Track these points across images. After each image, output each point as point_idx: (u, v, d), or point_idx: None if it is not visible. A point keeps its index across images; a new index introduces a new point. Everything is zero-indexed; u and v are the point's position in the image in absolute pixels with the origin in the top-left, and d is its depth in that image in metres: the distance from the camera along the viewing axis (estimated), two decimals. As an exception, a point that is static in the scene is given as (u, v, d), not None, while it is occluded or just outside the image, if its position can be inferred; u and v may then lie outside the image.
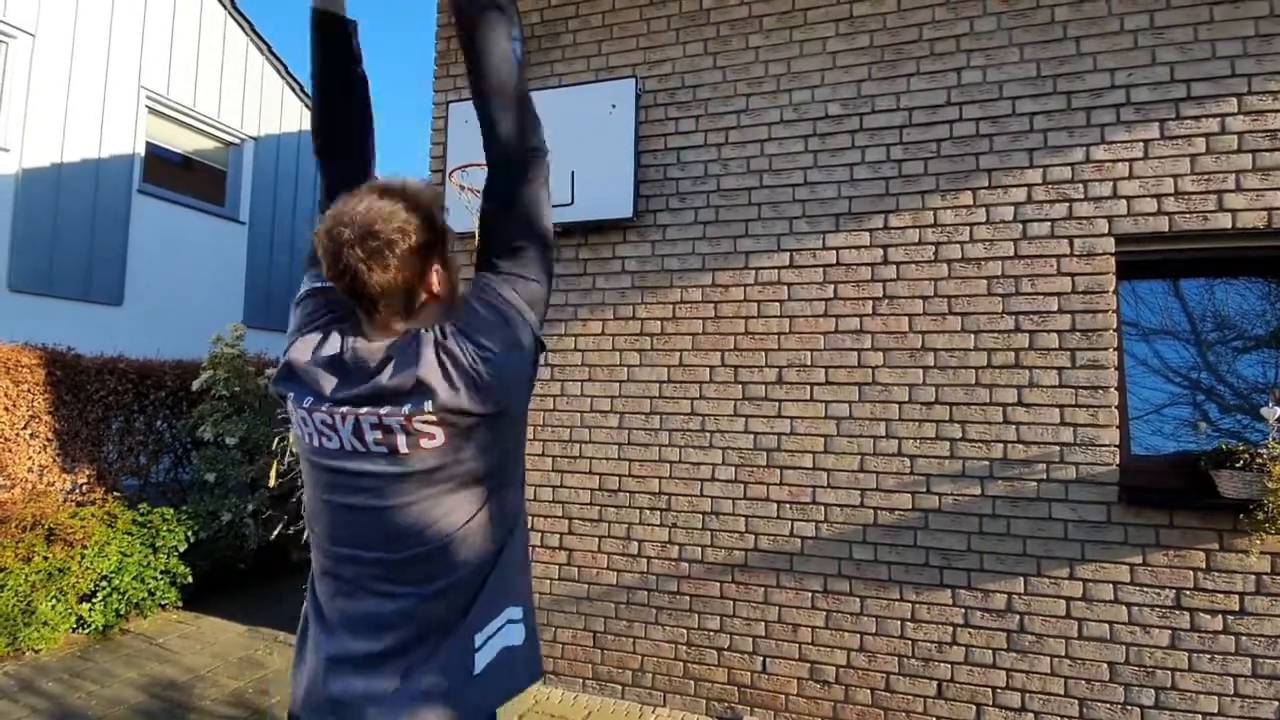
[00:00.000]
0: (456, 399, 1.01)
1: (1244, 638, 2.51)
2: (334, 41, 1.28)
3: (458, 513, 1.05)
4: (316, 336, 1.10)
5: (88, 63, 6.80)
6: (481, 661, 1.07)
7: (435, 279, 1.08)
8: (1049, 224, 2.80)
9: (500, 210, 1.14)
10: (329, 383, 1.05)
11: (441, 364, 1.02)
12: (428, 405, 1.00)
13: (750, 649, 3.05)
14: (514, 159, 1.15)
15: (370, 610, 1.06)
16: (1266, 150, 2.61)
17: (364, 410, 1.02)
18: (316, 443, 1.06)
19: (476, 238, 1.18)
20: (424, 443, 1.01)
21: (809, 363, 3.07)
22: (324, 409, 1.04)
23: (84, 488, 4.46)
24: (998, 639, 2.75)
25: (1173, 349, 2.88)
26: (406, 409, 1.00)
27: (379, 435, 1.01)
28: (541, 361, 1.11)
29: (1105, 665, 2.63)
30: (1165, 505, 2.61)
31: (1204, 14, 2.70)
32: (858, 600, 2.93)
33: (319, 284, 1.17)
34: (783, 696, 2.98)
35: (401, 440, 1.01)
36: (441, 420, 1.01)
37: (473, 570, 1.07)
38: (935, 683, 2.81)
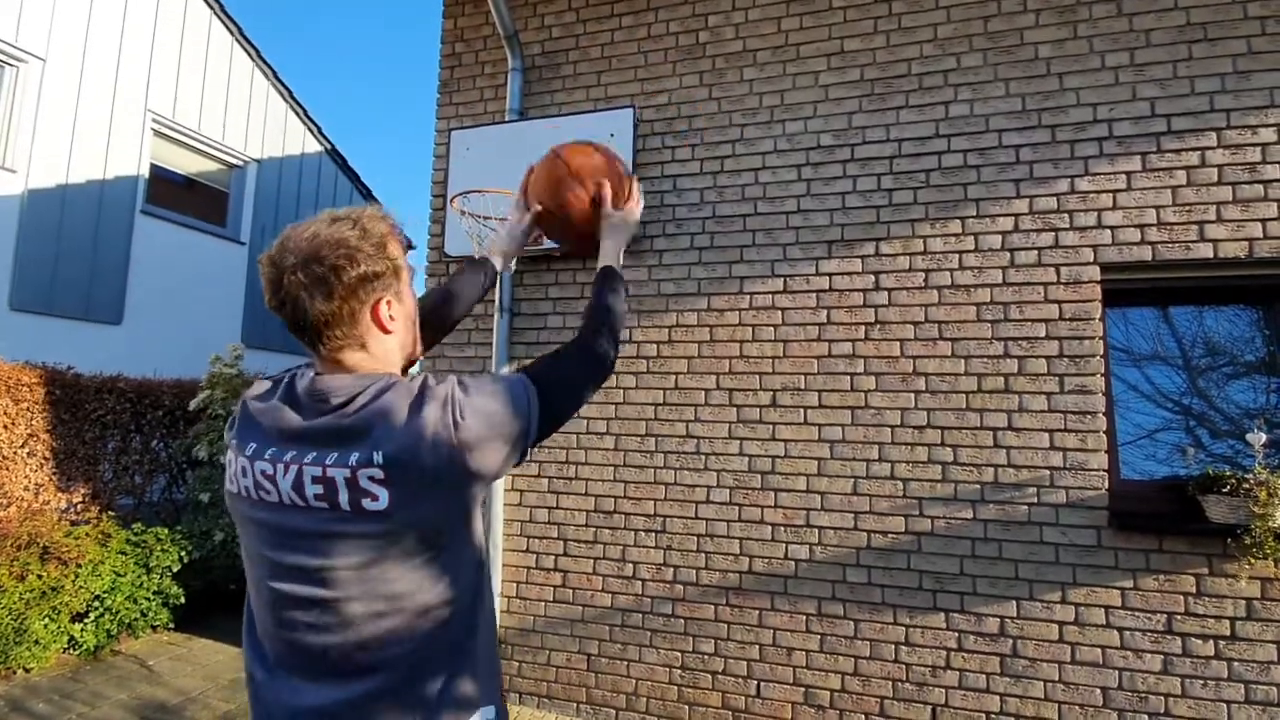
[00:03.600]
0: (413, 452, 0.91)
1: (1236, 663, 2.53)
2: (487, 288, 1.53)
3: (404, 585, 0.92)
4: (272, 379, 1.06)
5: (96, 86, 6.93)
6: None
7: (386, 311, 1.01)
8: (1036, 252, 2.87)
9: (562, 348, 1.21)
10: (282, 417, 0.97)
11: (413, 412, 0.93)
12: (377, 457, 0.90)
13: (745, 673, 3.05)
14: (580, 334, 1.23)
15: (312, 702, 0.92)
16: (1246, 183, 2.68)
17: (310, 457, 0.93)
18: (255, 495, 0.97)
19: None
20: (365, 503, 0.90)
21: (803, 386, 3.11)
22: (267, 455, 0.95)
23: (79, 506, 4.46)
24: (991, 663, 2.76)
25: (1162, 374, 2.92)
26: (354, 458, 0.91)
27: (320, 490, 0.91)
28: (519, 463, 1.06)
29: (1098, 690, 2.64)
30: (1154, 530, 2.64)
31: (1183, 51, 2.79)
32: (852, 624, 2.94)
33: None
34: (777, 721, 2.98)
35: (343, 497, 0.90)
36: (388, 478, 0.90)
37: (429, 657, 0.94)
38: (929, 708, 2.81)
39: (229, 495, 1.02)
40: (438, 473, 0.92)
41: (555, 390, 1.08)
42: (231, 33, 8.40)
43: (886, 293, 3.04)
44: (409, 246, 1.11)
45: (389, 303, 1.01)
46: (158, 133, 7.66)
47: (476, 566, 1.02)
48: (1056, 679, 2.68)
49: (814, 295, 3.14)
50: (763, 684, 3.02)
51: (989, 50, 3.01)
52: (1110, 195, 2.81)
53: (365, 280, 0.97)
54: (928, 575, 2.86)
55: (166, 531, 4.36)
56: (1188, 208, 2.73)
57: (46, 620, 3.70)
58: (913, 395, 2.96)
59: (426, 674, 0.94)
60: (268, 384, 1.05)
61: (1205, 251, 2.69)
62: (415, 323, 1.11)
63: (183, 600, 4.27)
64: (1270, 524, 2.37)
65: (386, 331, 1.02)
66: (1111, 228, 2.80)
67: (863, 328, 3.06)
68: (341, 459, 0.91)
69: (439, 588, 0.95)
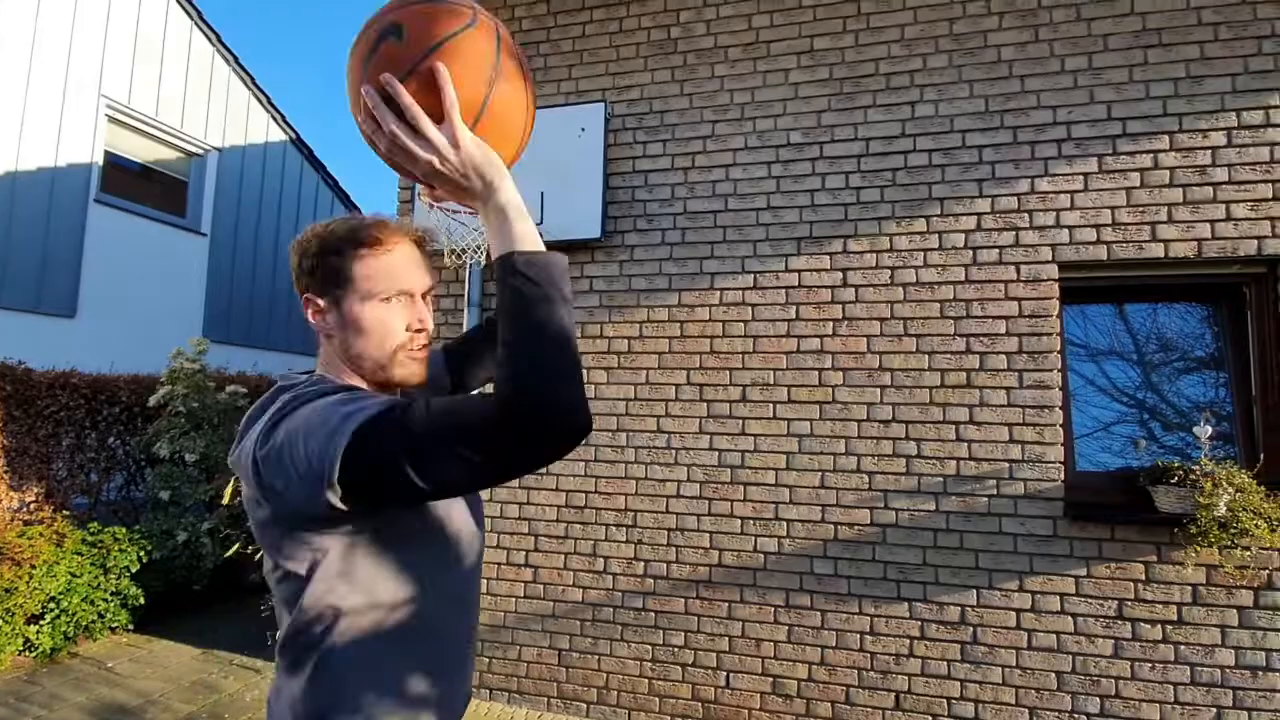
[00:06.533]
0: (241, 460, 0.93)
1: (1183, 646, 2.64)
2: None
3: (287, 576, 0.91)
4: None
5: (47, 70, 6.65)
6: None
7: (310, 309, 0.99)
8: (997, 251, 2.94)
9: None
10: None
11: (253, 421, 0.95)
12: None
13: (714, 664, 3.09)
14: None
15: (274, 689, 0.98)
16: (1196, 185, 2.78)
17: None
18: None
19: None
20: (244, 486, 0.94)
21: (772, 381, 3.14)
22: None
23: (32, 506, 4.31)
24: (952, 651, 2.83)
25: (1117, 369, 3.02)
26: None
27: None
28: (327, 511, 0.83)
29: (1053, 675, 2.73)
30: (1107, 520, 2.73)
31: (1138, 56, 2.88)
32: (819, 614, 2.99)
33: None
34: (746, 711, 3.02)
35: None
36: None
37: (298, 656, 0.93)
38: (893, 694, 2.88)
39: None
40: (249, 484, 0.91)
41: (408, 432, 0.79)
42: (190, 16, 8.12)
43: (854, 289, 3.09)
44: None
45: (316, 302, 0.98)
46: (112, 119, 7.38)
47: (341, 591, 0.91)
48: (1014, 664, 2.77)
49: (783, 291, 3.18)
50: (732, 675, 3.06)
51: (954, 52, 3.06)
52: (1068, 196, 2.89)
53: (300, 275, 1.00)
54: (892, 566, 2.93)
55: (124, 531, 4.24)
56: (1141, 209, 2.82)
57: (0, 622, 3.59)
58: (878, 390, 3.01)
59: (319, 681, 0.92)
60: None
61: (1157, 251, 2.79)
62: (356, 330, 0.96)
63: (142, 601, 4.17)
64: (1215, 513, 2.48)
65: (320, 331, 1.01)
66: (1069, 227, 2.88)
67: (830, 324, 3.10)
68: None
69: (291, 590, 0.92)
